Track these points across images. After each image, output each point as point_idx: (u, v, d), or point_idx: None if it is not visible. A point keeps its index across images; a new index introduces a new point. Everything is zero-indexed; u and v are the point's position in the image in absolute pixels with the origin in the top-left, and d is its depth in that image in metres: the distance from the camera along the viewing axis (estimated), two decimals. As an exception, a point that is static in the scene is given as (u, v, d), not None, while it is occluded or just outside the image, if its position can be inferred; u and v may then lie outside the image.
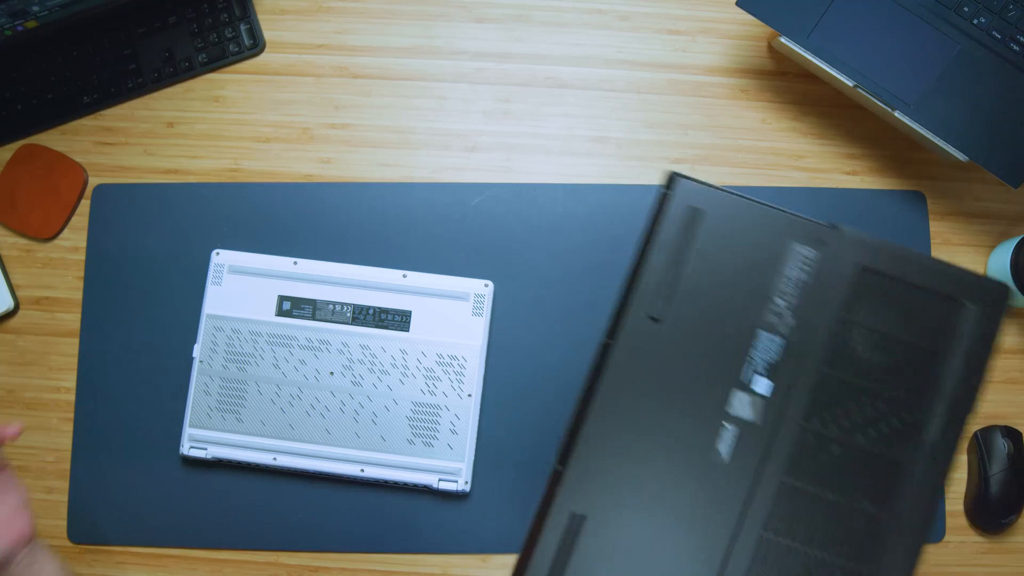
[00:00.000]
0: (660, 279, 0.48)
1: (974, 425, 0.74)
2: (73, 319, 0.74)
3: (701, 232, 0.48)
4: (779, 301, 0.48)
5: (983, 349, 0.48)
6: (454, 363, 0.71)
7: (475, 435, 0.71)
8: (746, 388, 0.48)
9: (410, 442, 0.70)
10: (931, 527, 0.47)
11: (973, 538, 0.73)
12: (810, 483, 0.47)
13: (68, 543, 0.71)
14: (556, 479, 0.47)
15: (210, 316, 0.72)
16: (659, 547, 0.47)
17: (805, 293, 0.48)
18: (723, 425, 0.48)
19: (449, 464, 0.70)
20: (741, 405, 0.48)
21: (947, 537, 0.73)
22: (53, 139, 0.76)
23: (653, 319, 0.48)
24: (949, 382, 0.48)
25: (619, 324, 0.48)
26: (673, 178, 0.49)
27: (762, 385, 0.48)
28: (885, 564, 0.47)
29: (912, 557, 0.47)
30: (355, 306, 0.72)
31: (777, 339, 0.48)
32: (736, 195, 0.49)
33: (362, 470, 0.70)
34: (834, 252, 0.49)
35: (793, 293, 0.48)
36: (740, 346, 0.48)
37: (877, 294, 0.48)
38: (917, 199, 0.77)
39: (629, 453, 0.47)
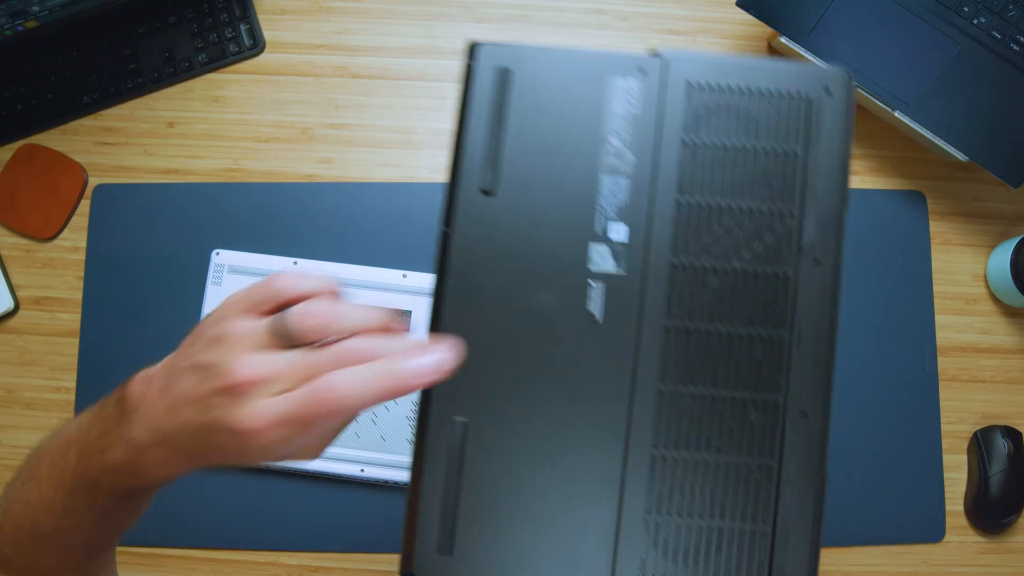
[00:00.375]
0: (483, 150, 0.45)
1: (974, 425, 0.75)
2: (73, 319, 0.74)
3: (515, 91, 0.45)
4: (614, 141, 0.45)
5: (841, 138, 0.45)
6: (454, 363, 0.71)
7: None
8: (602, 239, 0.44)
9: (410, 442, 0.70)
10: (834, 336, 0.44)
11: (973, 538, 0.73)
12: (696, 321, 0.44)
13: (68, 543, 0.71)
14: (425, 393, 0.43)
15: (210, 316, 0.72)
16: (555, 428, 0.43)
17: (638, 126, 0.45)
18: (589, 284, 0.44)
19: (449, 464, 0.70)
20: (601, 257, 0.44)
21: (947, 537, 0.73)
22: (53, 139, 0.76)
23: (485, 192, 0.45)
24: (815, 179, 0.45)
25: (452, 208, 0.43)
26: (473, 48, 0.45)
27: (618, 231, 0.44)
28: (794, 384, 0.44)
29: (824, 371, 0.44)
30: (355, 306, 0.72)
31: (621, 179, 0.45)
32: (541, 46, 0.46)
33: (362, 470, 0.70)
34: (658, 78, 0.45)
35: (626, 129, 0.45)
36: (585, 198, 0.44)
37: (715, 109, 0.45)
38: (917, 199, 0.77)
39: (497, 342, 0.42)
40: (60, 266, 0.75)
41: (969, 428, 0.75)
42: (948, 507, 0.73)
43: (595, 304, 0.44)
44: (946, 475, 0.74)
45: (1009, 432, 0.73)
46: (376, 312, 0.39)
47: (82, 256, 0.75)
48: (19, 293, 0.75)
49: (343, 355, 0.36)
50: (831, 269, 0.44)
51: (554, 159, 0.45)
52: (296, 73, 0.78)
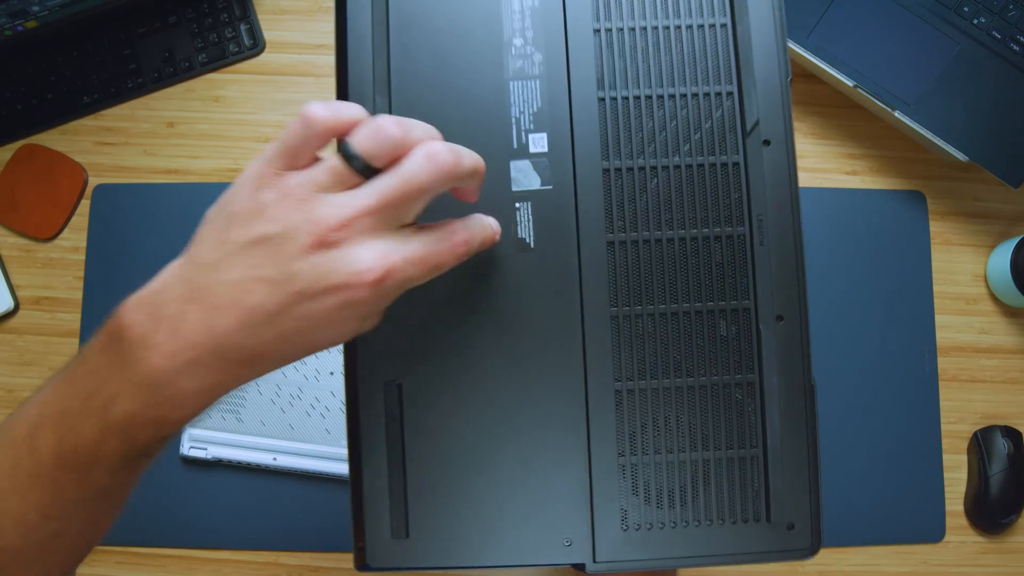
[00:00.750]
0: (371, 76, 0.39)
1: (974, 425, 0.75)
2: (73, 319, 0.74)
3: (394, 3, 0.39)
4: (517, 41, 0.39)
5: (773, 6, 0.40)
6: (454, 363, 0.71)
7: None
8: (523, 154, 0.38)
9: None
10: (798, 222, 0.40)
11: (973, 538, 0.73)
12: (641, 230, 0.38)
13: (68, 543, 0.71)
14: (352, 357, 0.38)
15: (210, 316, 0.72)
16: (502, 377, 0.38)
17: (540, 18, 0.39)
18: (515, 207, 0.38)
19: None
20: (523, 174, 0.38)
21: (947, 537, 0.73)
22: (53, 139, 0.76)
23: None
24: (749, 51, 0.40)
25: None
26: None
27: (538, 142, 0.39)
28: (763, 285, 0.39)
29: (794, 272, 0.39)
30: (355, 306, 0.72)
31: (532, 83, 0.39)
32: None
33: (362, 470, 0.70)
34: None
35: (528, 25, 0.39)
36: (495, 111, 0.38)
37: None
38: (917, 199, 0.77)
39: (425, 287, 0.33)
40: (60, 266, 0.75)
41: (969, 428, 0.75)
42: (948, 507, 0.73)
43: (524, 228, 0.38)
44: (946, 475, 0.74)
45: (1009, 432, 0.73)
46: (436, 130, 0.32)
47: (82, 256, 0.75)
48: (19, 293, 0.75)
49: (432, 155, 0.30)
50: (783, 147, 0.40)
51: (452, 71, 0.39)
52: (296, 73, 0.78)
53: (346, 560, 0.71)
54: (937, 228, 0.77)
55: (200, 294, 0.30)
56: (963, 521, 0.74)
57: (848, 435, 0.73)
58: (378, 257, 0.29)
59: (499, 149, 0.39)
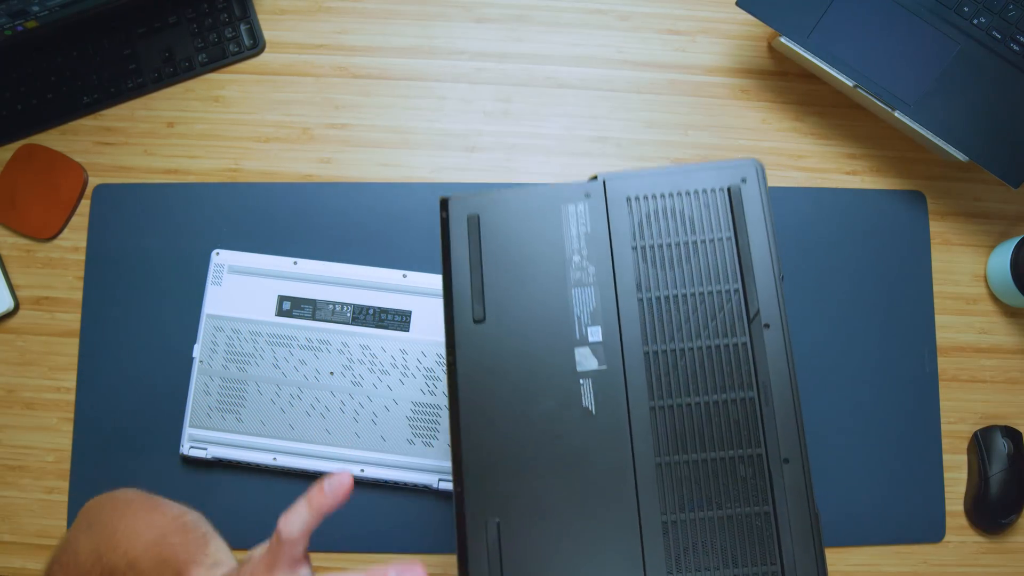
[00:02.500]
0: (469, 285, 0.52)
1: (974, 425, 0.75)
2: (73, 319, 0.74)
3: (485, 232, 0.53)
4: (576, 258, 0.52)
5: (763, 217, 0.52)
6: (454, 363, 0.71)
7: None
8: (584, 342, 0.51)
9: (410, 442, 0.70)
10: (795, 386, 0.50)
11: (973, 538, 0.73)
12: (675, 397, 0.50)
13: (68, 543, 0.71)
14: (460, 500, 0.50)
15: (210, 316, 0.72)
16: (574, 514, 0.49)
17: (592, 241, 0.52)
18: (579, 383, 0.50)
19: (449, 464, 0.70)
20: (585, 358, 0.51)
21: (947, 537, 0.73)
22: (53, 139, 0.76)
23: (477, 321, 0.52)
24: (749, 257, 0.52)
25: (452, 338, 0.51)
26: (444, 203, 0.53)
27: (595, 333, 0.51)
28: (771, 437, 0.50)
29: (795, 422, 0.49)
30: (355, 306, 0.72)
31: (589, 290, 0.52)
32: (500, 191, 0.53)
33: (362, 470, 0.70)
34: (602, 198, 0.53)
35: (584, 247, 0.52)
36: (562, 310, 0.51)
37: (653, 215, 0.52)
38: (917, 199, 0.77)
39: (513, 447, 0.49)
40: (60, 266, 0.75)
41: (969, 428, 0.75)
42: (948, 507, 0.73)
43: (588, 399, 0.50)
44: (946, 475, 0.74)
45: (1009, 432, 0.73)
46: (302, 509, 0.44)
47: (82, 256, 0.75)
48: (19, 293, 0.75)
49: (279, 536, 0.43)
50: (780, 329, 0.51)
51: (530, 282, 0.52)
52: (296, 73, 0.78)
53: (346, 560, 0.71)
54: (937, 228, 0.77)
55: None
56: (963, 521, 0.74)
57: (848, 435, 0.73)
58: None
59: (566, 339, 0.51)
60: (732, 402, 0.50)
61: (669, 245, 0.52)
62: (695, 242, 0.52)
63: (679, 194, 0.53)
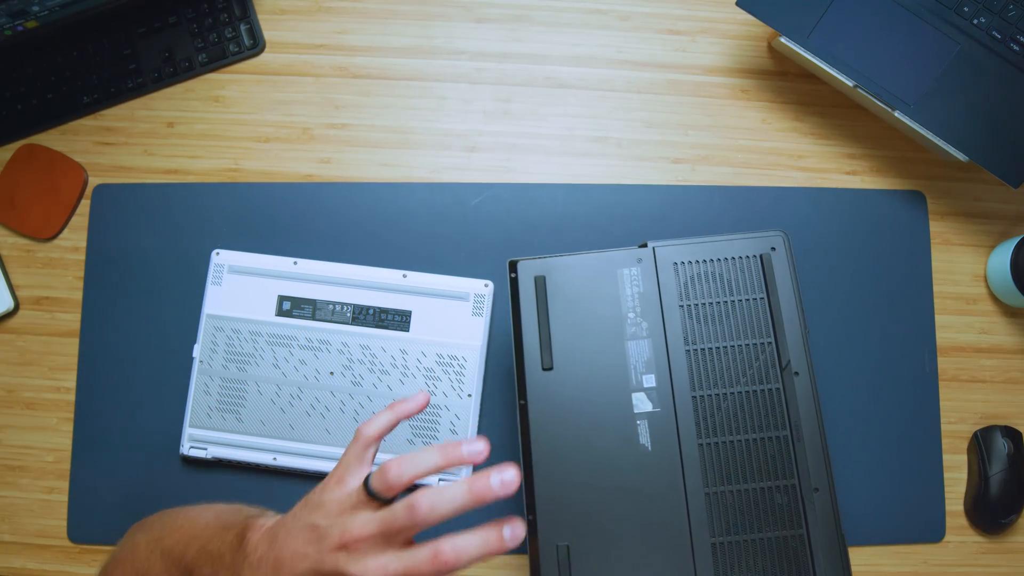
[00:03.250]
0: (538, 337, 0.60)
1: (974, 425, 0.75)
2: (73, 319, 0.74)
3: (551, 291, 0.60)
4: (631, 315, 0.60)
5: (790, 280, 0.61)
6: (454, 363, 0.71)
7: (475, 435, 0.71)
8: (640, 388, 0.59)
9: (410, 442, 0.70)
10: (822, 425, 0.58)
11: (973, 538, 0.73)
12: (720, 436, 0.58)
13: (68, 543, 0.71)
14: (532, 527, 0.56)
15: (210, 316, 0.72)
16: (634, 537, 0.56)
17: (644, 299, 0.60)
18: (636, 424, 0.58)
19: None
20: (641, 402, 0.58)
21: (947, 537, 0.73)
22: (53, 139, 0.76)
23: (546, 369, 0.59)
24: (779, 314, 0.60)
25: (523, 384, 0.59)
26: (513, 265, 0.61)
27: (649, 380, 0.59)
28: (803, 469, 0.57)
29: (822, 455, 0.57)
30: (355, 306, 0.72)
31: (642, 343, 0.59)
32: (563, 256, 0.61)
33: (362, 470, 0.70)
34: (652, 263, 0.61)
35: (638, 305, 0.60)
36: (621, 359, 0.59)
37: (697, 278, 0.61)
38: (917, 199, 0.77)
39: (580, 478, 0.57)
40: (60, 266, 0.75)
41: (969, 428, 0.75)
42: (948, 507, 0.73)
43: (644, 437, 0.58)
44: (946, 475, 0.74)
45: (1009, 432, 0.73)
46: (437, 453, 0.46)
47: (82, 256, 0.75)
48: (19, 293, 0.75)
49: (414, 512, 0.44)
50: (807, 377, 0.59)
51: (591, 335, 0.60)
52: (296, 73, 0.78)
53: (346, 560, 0.70)
54: (937, 228, 0.77)
55: (278, 549, 0.46)
56: (963, 521, 0.74)
57: (848, 435, 0.73)
58: (378, 568, 0.43)
59: (623, 386, 0.59)
60: (768, 439, 0.58)
61: (711, 304, 0.60)
62: (733, 301, 0.60)
63: (718, 260, 0.61)
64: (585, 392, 0.59)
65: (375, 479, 0.45)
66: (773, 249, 0.61)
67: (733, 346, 0.59)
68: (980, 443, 0.73)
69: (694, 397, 0.58)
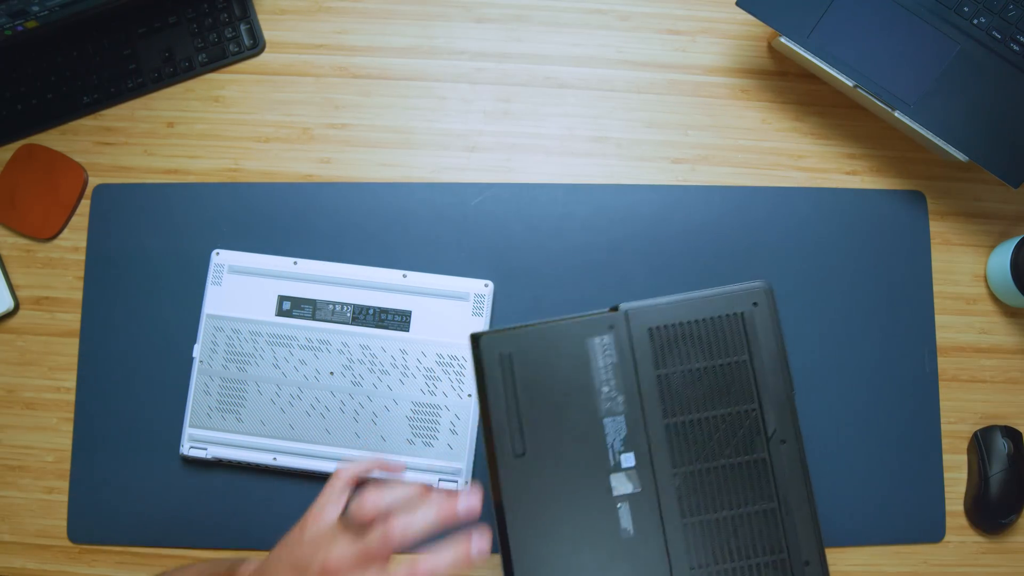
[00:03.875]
0: (507, 421, 0.55)
1: (974, 425, 0.75)
2: (73, 319, 0.74)
3: (518, 369, 0.55)
4: (604, 388, 0.55)
5: (774, 337, 0.56)
6: (454, 363, 0.71)
7: (475, 435, 0.71)
8: (618, 468, 0.55)
9: (410, 442, 0.70)
10: (811, 496, 0.55)
11: (973, 538, 0.73)
12: (705, 513, 0.54)
13: (68, 543, 0.71)
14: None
15: (210, 316, 0.72)
16: None
17: (619, 371, 0.55)
18: (617, 507, 0.54)
19: (449, 464, 0.70)
20: (621, 484, 0.55)
21: (947, 537, 0.73)
22: (53, 139, 0.76)
23: (519, 455, 0.55)
24: (763, 376, 0.56)
25: (496, 475, 0.55)
26: (475, 339, 0.56)
27: (628, 459, 0.55)
28: (792, 542, 0.54)
29: (812, 526, 0.54)
30: (355, 306, 0.72)
31: (618, 419, 0.55)
32: (529, 326, 0.56)
33: (362, 470, 0.70)
34: (624, 329, 0.56)
35: (611, 376, 0.55)
36: (597, 439, 0.55)
37: (673, 342, 0.56)
38: (917, 199, 0.77)
39: (561, 567, 0.54)
40: (60, 266, 0.75)
41: (969, 428, 0.75)
42: (948, 507, 0.73)
43: (626, 521, 0.54)
44: (946, 475, 0.74)
45: (1009, 432, 0.73)
46: (414, 488, 0.50)
47: (82, 256, 0.75)
48: (19, 293, 0.75)
49: (388, 536, 0.48)
50: (794, 444, 0.55)
51: (564, 413, 0.55)
52: (296, 73, 0.78)
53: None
54: (937, 228, 0.77)
55: None
56: (963, 521, 0.74)
57: (848, 435, 0.73)
58: None
59: (601, 467, 0.54)
60: (756, 514, 0.55)
61: (689, 371, 0.56)
62: (714, 367, 0.56)
63: (696, 321, 0.56)
64: (562, 478, 0.55)
65: (353, 507, 0.49)
66: (755, 304, 0.57)
67: (715, 416, 0.55)
68: (980, 443, 0.73)
69: (676, 474, 0.55)
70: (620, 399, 0.55)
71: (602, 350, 0.56)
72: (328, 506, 0.51)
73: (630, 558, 0.54)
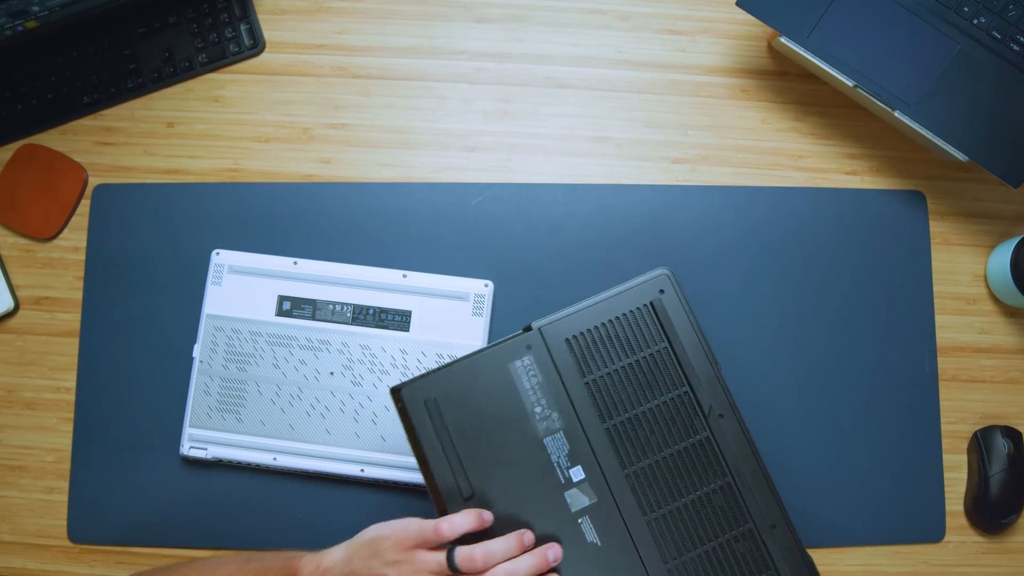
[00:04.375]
0: (448, 467, 0.54)
1: (974, 425, 0.75)
2: (73, 319, 0.74)
3: (446, 412, 0.55)
4: (537, 409, 0.55)
5: (687, 318, 0.57)
6: (454, 363, 0.71)
7: (475, 435, 0.71)
8: (570, 484, 0.55)
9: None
10: (760, 461, 0.56)
11: (973, 538, 0.73)
12: (664, 505, 0.55)
13: (68, 543, 0.71)
14: None
15: (210, 316, 0.72)
16: None
17: (547, 389, 0.56)
18: (579, 523, 0.54)
19: (449, 464, 0.70)
20: (576, 499, 0.55)
21: (947, 537, 0.73)
22: (53, 139, 0.76)
23: (468, 499, 0.54)
24: (687, 358, 0.57)
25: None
26: (396, 392, 0.55)
27: (577, 473, 0.55)
28: (754, 510, 0.55)
29: (769, 491, 0.55)
30: (355, 306, 0.72)
31: (558, 436, 0.55)
32: (446, 367, 0.56)
33: (362, 470, 0.70)
34: (541, 347, 0.56)
35: (541, 396, 0.55)
36: (541, 461, 0.55)
37: (593, 346, 0.57)
38: (917, 199, 0.77)
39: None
40: (60, 266, 0.75)
41: (969, 428, 0.75)
42: (948, 507, 0.73)
43: (591, 534, 0.54)
44: (946, 475, 0.74)
45: (1009, 432, 0.73)
46: (513, 540, 0.52)
47: (82, 256, 0.75)
48: (19, 293, 0.75)
49: None
50: (732, 416, 0.56)
51: (503, 444, 0.54)
52: (296, 73, 0.78)
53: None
54: (937, 228, 0.77)
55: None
56: (963, 521, 0.74)
57: (848, 435, 0.73)
58: None
59: (553, 488, 0.54)
60: (713, 492, 0.55)
61: (616, 371, 0.56)
62: (637, 361, 0.56)
63: (609, 322, 0.57)
64: (516, 508, 0.54)
65: (462, 559, 0.51)
66: (662, 292, 0.58)
67: (651, 408, 0.56)
68: (980, 443, 0.73)
69: (627, 475, 0.55)
70: (555, 416, 0.55)
71: (525, 372, 0.56)
72: (427, 542, 0.53)
73: (604, 569, 0.54)
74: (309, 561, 0.54)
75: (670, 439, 0.56)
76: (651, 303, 0.57)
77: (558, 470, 0.54)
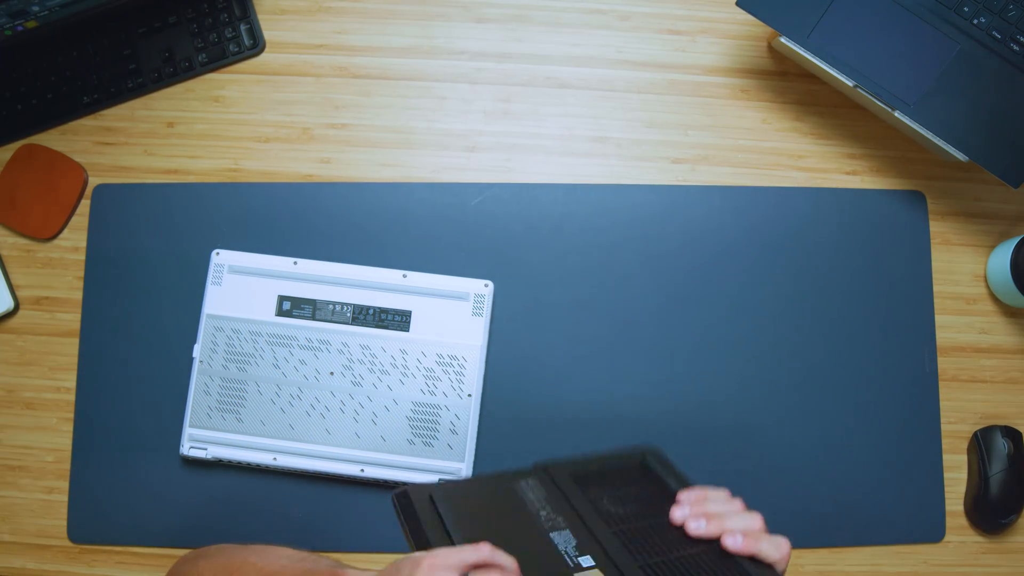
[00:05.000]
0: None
1: (974, 425, 0.75)
2: (73, 319, 0.74)
3: (444, 512, 0.55)
4: (543, 513, 0.57)
5: (668, 471, 0.58)
6: (454, 363, 0.71)
7: (475, 435, 0.71)
8: (579, 569, 0.53)
9: (410, 442, 0.70)
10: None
11: (973, 538, 0.73)
12: None
13: (68, 543, 0.71)
14: None
15: (210, 316, 0.72)
16: None
17: (552, 502, 0.58)
18: None
19: (449, 464, 0.70)
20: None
21: (947, 537, 0.73)
22: (53, 139, 0.76)
23: None
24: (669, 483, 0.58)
25: None
26: (401, 496, 0.55)
27: (586, 560, 0.54)
28: None
29: None
30: (355, 306, 0.72)
31: (565, 532, 0.56)
32: (448, 483, 0.57)
33: (362, 470, 0.70)
34: (545, 474, 0.59)
35: (546, 505, 0.58)
36: (549, 552, 0.54)
37: (593, 477, 0.60)
38: (917, 199, 0.77)
39: None
40: (60, 266, 0.75)
41: (969, 428, 0.75)
42: (948, 507, 0.73)
43: None
44: (946, 475, 0.74)
45: (1009, 432, 0.73)
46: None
47: (82, 256, 0.75)
48: (19, 293, 0.75)
49: None
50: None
51: (508, 540, 0.53)
52: (296, 73, 0.78)
53: (346, 560, 0.70)
54: (937, 228, 0.77)
55: None
56: (963, 521, 0.74)
57: (848, 435, 0.73)
58: None
59: (562, 568, 0.53)
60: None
61: (618, 495, 0.58)
62: (633, 485, 0.59)
63: (606, 461, 0.61)
64: None
65: None
66: (647, 455, 0.60)
67: (661, 520, 0.55)
68: (980, 443, 0.73)
69: (640, 567, 0.53)
70: (560, 519, 0.56)
71: (530, 489, 0.58)
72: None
73: None
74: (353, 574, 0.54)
75: (677, 551, 0.54)
76: (640, 459, 0.60)
77: (567, 558, 0.54)
